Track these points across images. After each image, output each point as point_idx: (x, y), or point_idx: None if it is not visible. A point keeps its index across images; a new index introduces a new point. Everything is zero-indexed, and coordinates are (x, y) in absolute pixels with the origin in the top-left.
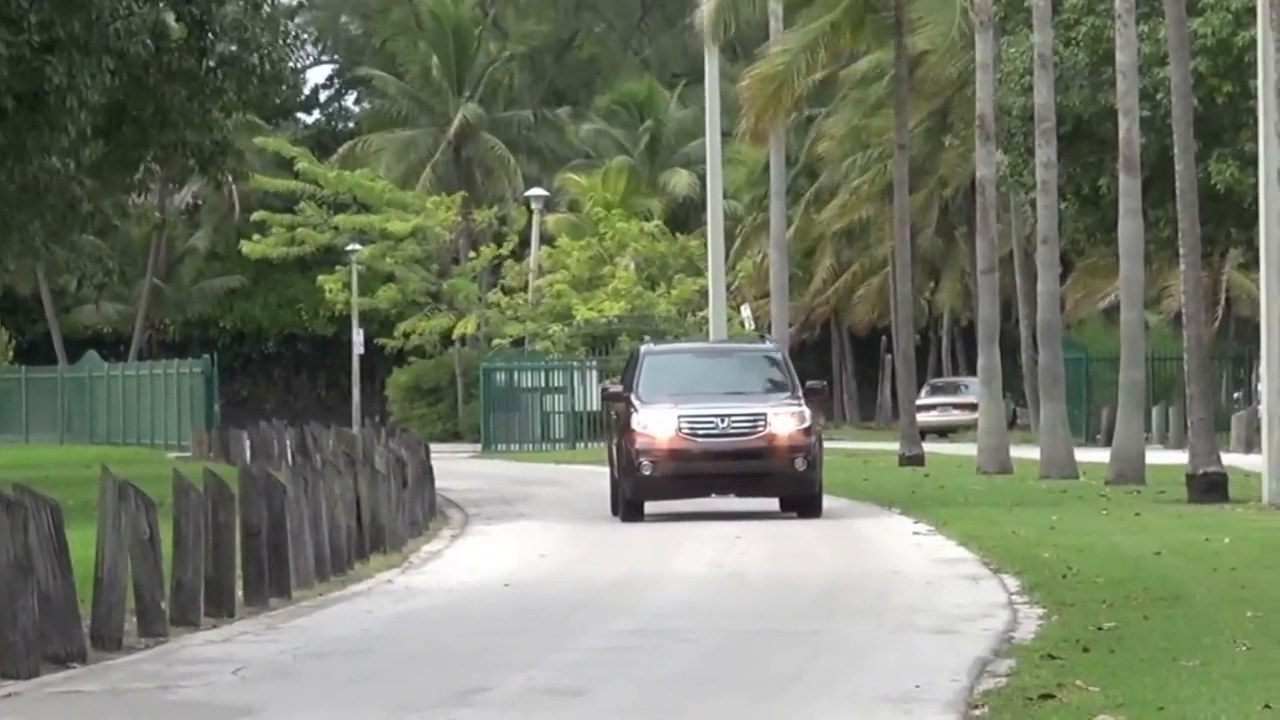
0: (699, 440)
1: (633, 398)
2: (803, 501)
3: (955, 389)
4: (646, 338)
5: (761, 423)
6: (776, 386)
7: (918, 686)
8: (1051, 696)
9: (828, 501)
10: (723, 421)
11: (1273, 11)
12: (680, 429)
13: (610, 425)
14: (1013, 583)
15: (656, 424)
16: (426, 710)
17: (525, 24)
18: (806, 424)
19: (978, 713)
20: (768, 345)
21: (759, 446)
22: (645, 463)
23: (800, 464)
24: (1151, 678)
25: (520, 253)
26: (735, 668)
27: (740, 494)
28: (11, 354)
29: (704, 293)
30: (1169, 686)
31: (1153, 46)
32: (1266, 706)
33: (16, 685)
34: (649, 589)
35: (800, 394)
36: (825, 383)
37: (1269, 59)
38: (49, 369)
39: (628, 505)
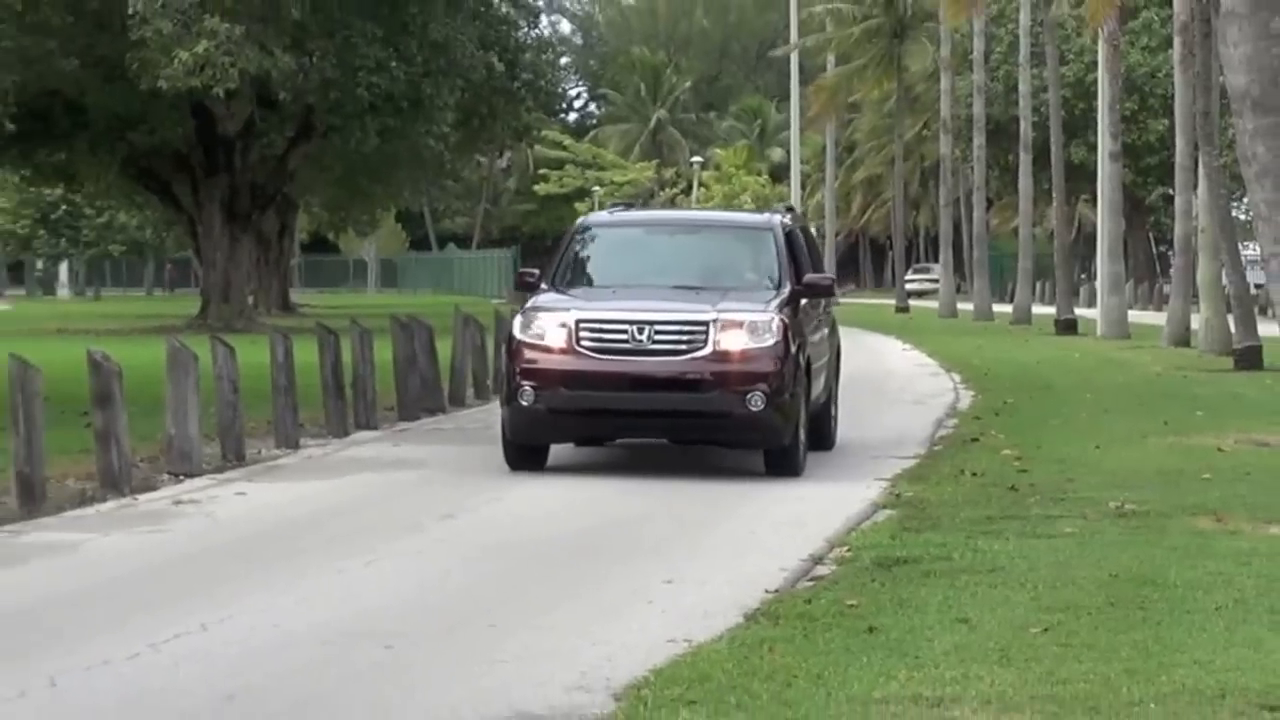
0: (603, 358)
1: (542, 287)
2: (772, 457)
3: (927, 270)
4: (614, 203)
5: (700, 336)
6: (758, 281)
7: (900, 434)
8: (977, 440)
9: (859, 335)
10: (640, 332)
11: (1107, 63)
12: (578, 340)
13: None
14: (957, 377)
15: (547, 331)
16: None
17: (692, 65)
18: (774, 340)
19: (937, 448)
20: (762, 218)
21: (693, 372)
22: (526, 388)
23: (756, 401)
24: (1033, 431)
25: (687, 193)
26: None
27: (672, 439)
28: (407, 245)
29: None
30: (1043, 436)
31: (1039, 82)
32: (1096, 447)
33: (406, 425)
34: None
35: (788, 292)
36: (833, 277)
37: (1104, 89)
38: (427, 253)
39: (508, 448)
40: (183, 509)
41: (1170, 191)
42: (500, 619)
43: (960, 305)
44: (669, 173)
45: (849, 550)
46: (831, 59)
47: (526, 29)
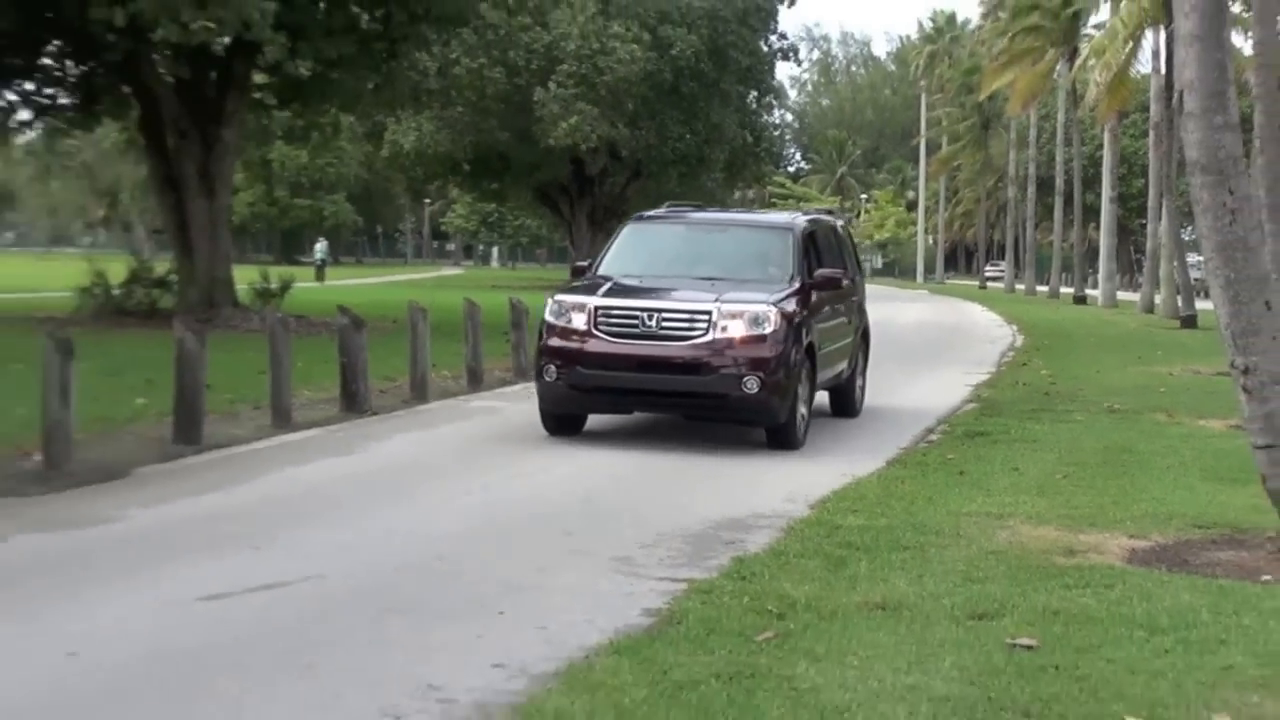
0: (617, 342)
1: (586, 275)
2: (771, 432)
3: (998, 265)
4: (670, 204)
5: (702, 324)
6: (778, 275)
7: (980, 359)
8: (1025, 364)
9: (959, 303)
10: (650, 319)
11: (1109, 145)
12: (596, 325)
13: None
14: (1014, 328)
15: (573, 315)
16: None
17: (861, 141)
18: (771, 329)
19: (1002, 368)
20: (785, 219)
21: (694, 357)
22: (550, 366)
23: (751, 385)
24: (1060, 359)
25: (858, 216)
26: (908, 357)
27: (684, 415)
28: None
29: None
30: (1066, 362)
31: (1068, 155)
32: (1097, 371)
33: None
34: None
35: (798, 285)
36: (841, 271)
37: (1107, 160)
38: None
39: (543, 416)
40: None
41: (1144, 222)
42: (730, 472)
43: (1017, 286)
44: (847, 204)
45: (948, 426)
46: (944, 139)
47: (766, 117)
